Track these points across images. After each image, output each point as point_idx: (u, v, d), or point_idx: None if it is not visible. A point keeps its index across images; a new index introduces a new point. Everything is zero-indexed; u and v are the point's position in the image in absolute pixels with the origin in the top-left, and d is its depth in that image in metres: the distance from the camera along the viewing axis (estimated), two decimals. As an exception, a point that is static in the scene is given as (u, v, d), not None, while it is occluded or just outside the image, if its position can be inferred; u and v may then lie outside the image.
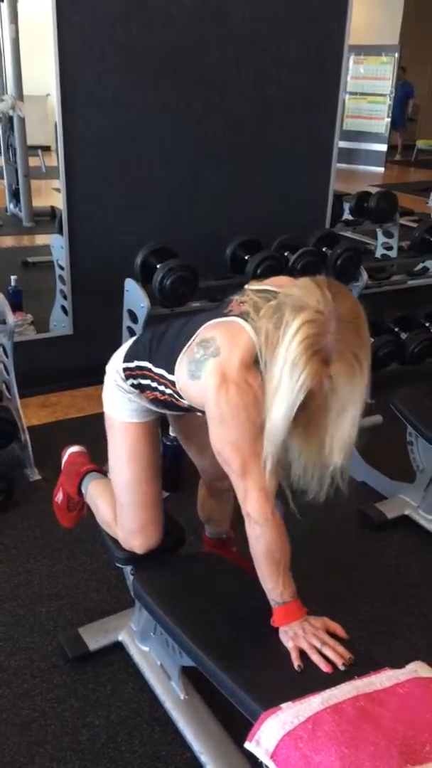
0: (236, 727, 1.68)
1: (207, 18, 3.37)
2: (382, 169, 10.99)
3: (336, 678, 1.27)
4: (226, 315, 1.50)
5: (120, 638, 1.99)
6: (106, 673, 1.94)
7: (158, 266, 3.02)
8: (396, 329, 3.71)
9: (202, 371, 1.45)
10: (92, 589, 2.24)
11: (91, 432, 3.13)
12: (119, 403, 1.75)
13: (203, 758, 1.66)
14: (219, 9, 3.38)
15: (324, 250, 3.47)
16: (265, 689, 1.28)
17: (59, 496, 2.08)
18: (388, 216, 4.67)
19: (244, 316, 1.45)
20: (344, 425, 1.35)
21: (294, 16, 3.59)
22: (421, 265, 4.03)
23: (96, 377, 3.52)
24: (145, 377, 1.67)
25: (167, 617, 1.53)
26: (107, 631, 2.01)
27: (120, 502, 1.78)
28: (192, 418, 1.82)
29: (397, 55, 11.18)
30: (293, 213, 3.91)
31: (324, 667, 1.31)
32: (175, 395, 1.60)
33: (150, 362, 1.65)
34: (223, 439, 1.43)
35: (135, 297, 3.04)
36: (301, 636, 1.37)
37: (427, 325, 3.78)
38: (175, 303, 3.03)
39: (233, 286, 3.29)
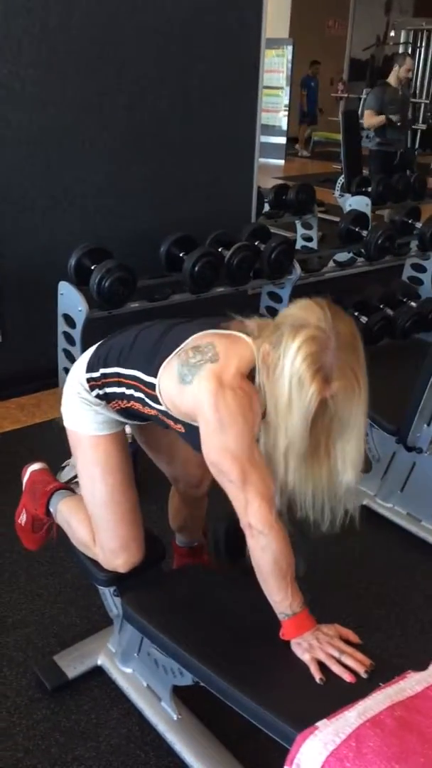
0: (231, 741, 1.65)
1: (126, 11, 3.26)
2: (282, 162, 11.15)
3: (362, 687, 1.23)
4: (223, 329, 1.47)
5: (99, 662, 1.89)
6: (89, 701, 1.84)
7: (94, 268, 2.90)
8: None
9: (195, 376, 1.39)
10: (59, 612, 2.13)
11: (30, 443, 3.01)
12: (85, 417, 1.65)
13: (207, 779, 1.60)
14: (137, 1, 3.28)
15: (257, 244, 3.45)
16: (291, 708, 1.23)
17: (23, 518, 1.95)
18: (307, 208, 4.73)
19: (245, 331, 1.43)
20: (351, 440, 1.34)
21: (212, 7, 3.54)
22: (349, 255, 4.09)
23: (29, 385, 3.41)
24: (110, 385, 1.59)
25: (168, 638, 1.46)
26: (84, 656, 1.91)
27: (97, 522, 1.68)
28: (155, 427, 1.74)
29: (290, 48, 11.37)
30: (220, 207, 3.87)
31: (347, 677, 1.27)
32: (146, 399, 1.53)
33: (119, 366, 1.57)
34: (220, 448, 1.37)
35: (71, 300, 2.92)
36: (317, 647, 1.33)
37: (356, 314, 3.84)
38: (113, 305, 2.93)
39: (171, 285, 3.27)
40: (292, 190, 4.68)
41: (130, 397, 1.57)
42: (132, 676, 1.83)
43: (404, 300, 4.05)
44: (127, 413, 1.64)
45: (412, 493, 2.53)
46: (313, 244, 4.85)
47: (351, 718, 1.13)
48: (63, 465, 2.65)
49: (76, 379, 1.67)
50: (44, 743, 1.73)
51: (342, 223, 3.92)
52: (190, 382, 1.40)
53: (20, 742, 1.73)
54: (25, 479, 1.98)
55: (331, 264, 4.22)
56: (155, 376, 1.49)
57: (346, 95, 11.46)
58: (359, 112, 7.53)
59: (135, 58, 3.35)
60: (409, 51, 10.21)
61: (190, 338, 1.45)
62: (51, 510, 1.86)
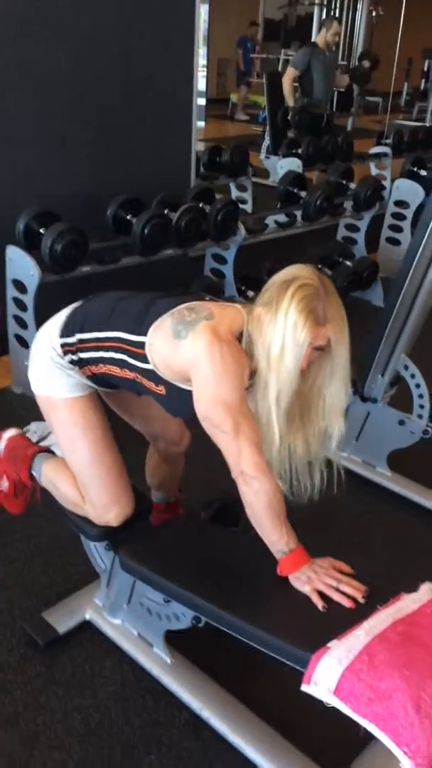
0: (223, 682, 1.75)
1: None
2: (202, 123, 11.05)
3: (362, 610, 1.34)
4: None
5: (87, 617, 1.94)
6: (81, 654, 1.89)
7: (44, 231, 2.86)
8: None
9: (191, 331, 1.46)
10: (38, 572, 2.16)
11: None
12: (57, 380, 1.67)
13: (205, 714, 1.69)
14: None
15: (201, 205, 3.48)
16: (302, 634, 1.33)
17: (4, 484, 1.95)
18: (241, 170, 4.77)
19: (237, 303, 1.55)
20: (339, 387, 1.49)
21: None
22: (286, 218, 4.17)
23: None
24: (87, 350, 1.62)
25: (174, 584, 1.53)
26: (72, 612, 1.96)
27: (85, 481, 1.71)
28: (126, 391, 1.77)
29: (205, 7, 11.20)
30: (160, 169, 3.86)
31: (347, 602, 1.38)
32: (129, 359, 1.56)
33: (99, 332, 1.60)
34: (215, 400, 1.44)
35: (22, 265, 2.87)
36: (315, 578, 1.43)
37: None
38: (66, 269, 2.90)
39: (119, 247, 3.25)
40: (226, 152, 4.70)
41: (109, 360, 1.59)
42: (122, 627, 1.89)
43: (340, 260, 4.18)
44: (100, 379, 1.66)
45: (366, 441, 2.67)
46: (248, 207, 4.90)
47: (360, 636, 1.24)
48: (23, 431, 2.65)
49: (47, 343, 1.67)
50: (42, 696, 1.77)
51: (280, 185, 3.99)
52: (185, 337, 1.45)
53: (18, 697, 1.77)
54: (2, 446, 1.98)
55: (272, 225, 4.29)
56: (145, 334, 1.53)
57: (264, 55, 11.44)
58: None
59: (73, 20, 3.28)
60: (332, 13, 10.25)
61: (182, 305, 1.52)
62: (34, 474, 1.87)
